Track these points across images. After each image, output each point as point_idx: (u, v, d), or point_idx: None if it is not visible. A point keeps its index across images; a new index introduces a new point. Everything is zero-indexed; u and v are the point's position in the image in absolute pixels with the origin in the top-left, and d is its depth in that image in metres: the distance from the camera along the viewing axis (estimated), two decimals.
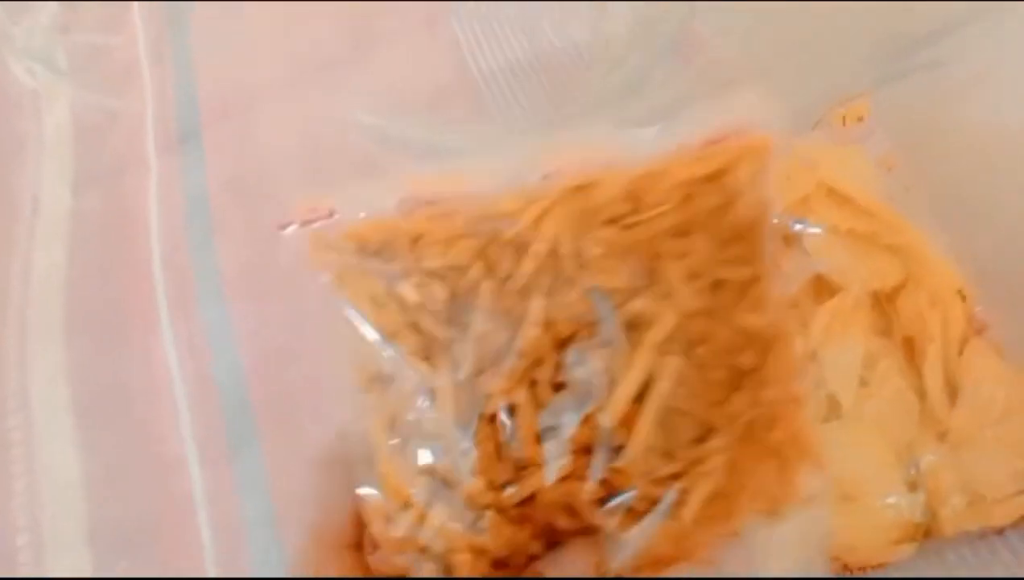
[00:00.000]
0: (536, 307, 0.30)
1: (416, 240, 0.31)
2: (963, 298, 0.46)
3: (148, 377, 0.59)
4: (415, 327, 0.32)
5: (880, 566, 0.43)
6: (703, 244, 0.31)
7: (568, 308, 0.30)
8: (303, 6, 0.76)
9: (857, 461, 0.44)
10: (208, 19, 0.80)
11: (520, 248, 0.30)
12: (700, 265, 0.31)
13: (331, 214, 0.34)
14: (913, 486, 0.44)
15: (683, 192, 0.31)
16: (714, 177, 0.31)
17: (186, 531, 0.52)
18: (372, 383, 0.33)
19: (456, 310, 0.31)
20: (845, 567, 0.43)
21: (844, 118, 0.54)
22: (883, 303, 0.48)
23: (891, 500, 0.43)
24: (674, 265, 0.30)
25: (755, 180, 0.31)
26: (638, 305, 0.30)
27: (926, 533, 0.43)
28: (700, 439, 0.31)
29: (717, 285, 0.31)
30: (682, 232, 0.31)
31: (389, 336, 0.32)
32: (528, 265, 0.30)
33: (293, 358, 0.56)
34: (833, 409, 0.45)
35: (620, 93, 0.66)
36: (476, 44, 0.70)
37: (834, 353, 0.46)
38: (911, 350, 0.46)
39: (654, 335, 0.30)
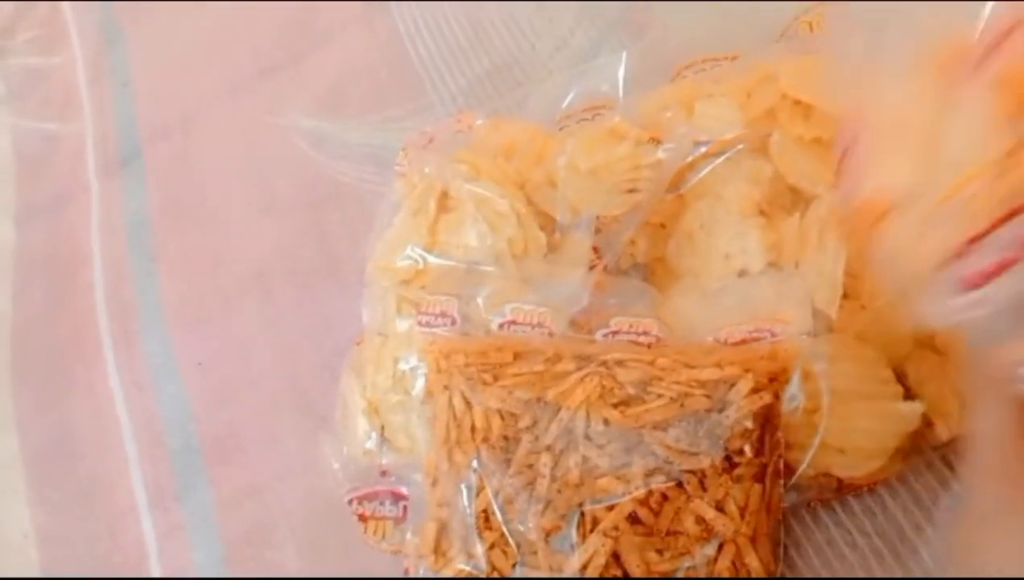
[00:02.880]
0: (544, 463, 0.40)
1: (498, 369, 0.42)
2: None
3: (96, 421, 0.57)
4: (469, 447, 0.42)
5: (872, 483, 0.41)
6: (671, 442, 0.38)
7: (566, 472, 0.39)
8: (240, 14, 0.73)
9: (850, 373, 0.41)
10: (146, 34, 0.77)
11: (555, 408, 0.41)
12: (666, 459, 0.38)
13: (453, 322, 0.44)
14: (907, 395, 0.41)
15: (681, 390, 0.39)
16: (712, 385, 0.39)
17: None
18: None
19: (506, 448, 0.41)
20: (838, 484, 0.41)
21: (811, 25, 0.50)
22: None
23: (886, 408, 0.41)
24: (640, 461, 0.38)
25: (750, 399, 0.38)
26: (605, 483, 0.39)
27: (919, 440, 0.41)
28: None
29: (677, 482, 0.38)
30: (662, 427, 0.39)
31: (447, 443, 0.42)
32: (554, 428, 0.40)
33: (236, 394, 0.54)
34: (822, 322, 0.42)
35: (566, 72, 0.62)
36: (416, 31, 0.67)
37: (814, 264, 0.43)
38: None
39: (607, 523, 0.38)
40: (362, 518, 0.47)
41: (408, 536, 0.43)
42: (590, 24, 0.62)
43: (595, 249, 0.48)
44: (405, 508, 0.47)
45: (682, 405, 0.39)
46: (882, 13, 0.36)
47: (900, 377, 0.41)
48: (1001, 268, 0.28)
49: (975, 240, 0.29)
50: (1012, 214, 0.28)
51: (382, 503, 0.47)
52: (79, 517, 0.53)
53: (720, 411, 0.39)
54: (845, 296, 0.42)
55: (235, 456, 0.52)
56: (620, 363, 0.41)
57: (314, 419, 0.51)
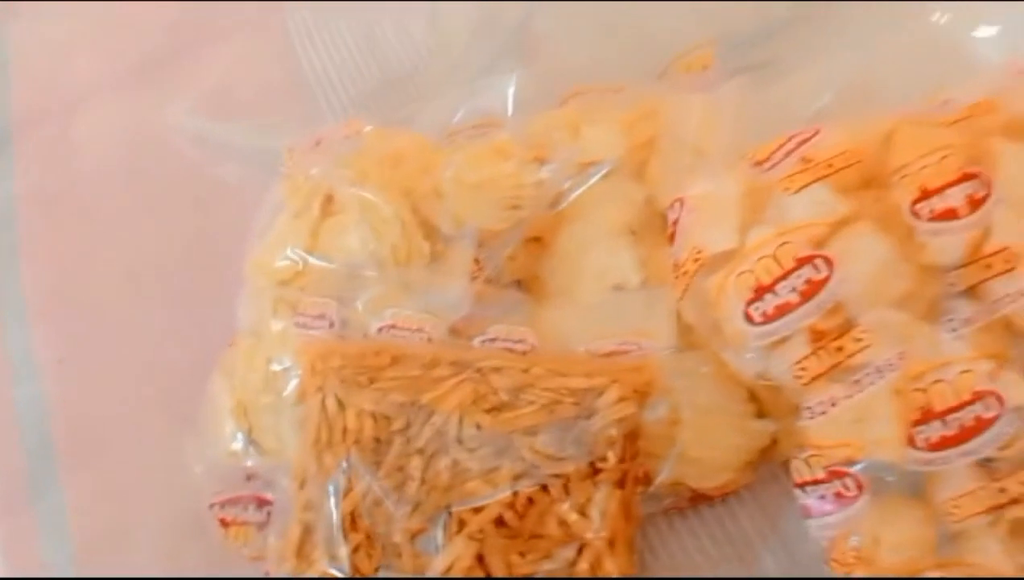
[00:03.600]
0: (414, 466, 0.40)
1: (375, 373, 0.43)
2: None
3: None
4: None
5: (723, 493, 0.44)
6: (540, 447, 0.40)
7: (436, 475, 0.40)
8: (131, 6, 0.71)
9: (710, 389, 0.43)
10: (28, 19, 0.74)
11: (429, 412, 0.41)
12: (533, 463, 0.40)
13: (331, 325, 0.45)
14: (759, 413, 0.44)
15: (551, 397, 0.41)
16: (581, 393, 0.41)
17: None
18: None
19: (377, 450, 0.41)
20: (692, 494, 0.43)
21: (688, 66, 0.54)
22: None
23: (741, 424, 0.43)
24: (508, 465, 0.39)
25: (616, 407, 0.40)
26: (473, 486, 0.40)
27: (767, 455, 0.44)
28: None
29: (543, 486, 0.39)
30: (532, 432, 0.40)
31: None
32: (427, 431, 0.41)
33: (99, 392, 0.52)
34: (686, 338, 0.44)
35: (459, 91, 0.63)
36: (310, 41, 0.67)
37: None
38: None
39: (473, 526, 0.39)
40: (223, 523, 0.46)
41: (271, 540, 0.43)
42: (482, 47, 0.64)
43: (476, 261, 0.49)
44: (268, 514, 0.46)
45: (552, 411, 0.40)
46: None
47: (753, 396, 0.44)
48: (782, 311, 0.37)
49: (766, 289, 0.37)
50: (795, 268, 0.37)
51: (245, 508, 0.46)
52: None
53: (587, 418, 0.40)
54: None
55: (93, 458, 0.50)
56: (496, 369, 0.42)
57: (179, 422, 0.49)
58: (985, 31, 0.49)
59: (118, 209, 0.61)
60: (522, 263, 0.51)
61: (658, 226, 0.49)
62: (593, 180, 0.49)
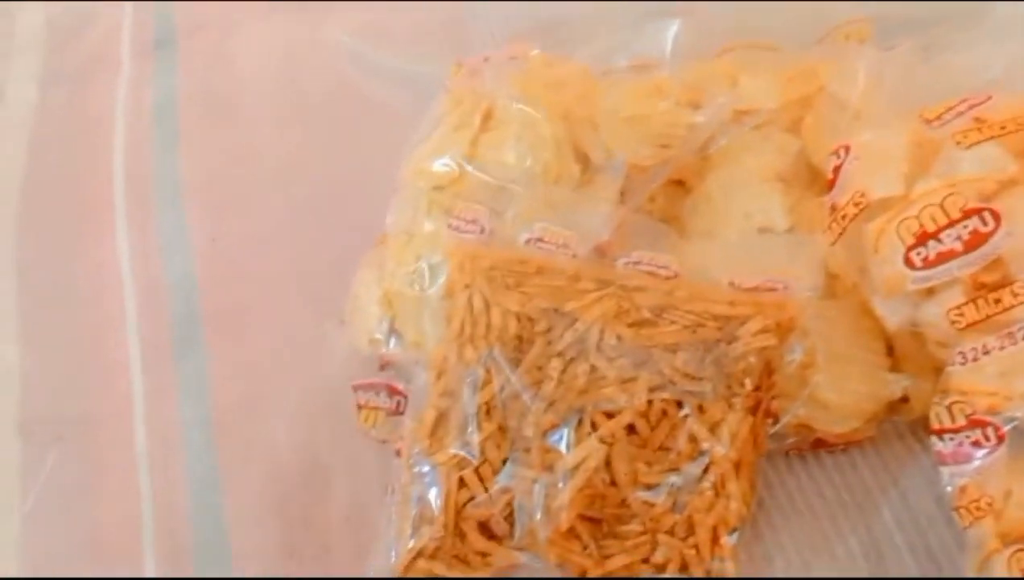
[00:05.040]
0: (553, 367, 0.42)
1: (521, 278, 0.44)
2: None
3: (98, 279, 0.58)
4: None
5: (847, 443, 0.44)
6: (679, 364, 0.41)
7: (573, 377, 0.41)
8: None
9: (847, 337, 0.44)
10: None
11: (572, 319, 0.43)
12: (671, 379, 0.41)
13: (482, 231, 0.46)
14: (894, 368, 0.44)
15: (694, 319, 0.42)
16: (724, 319, 0.41)
17: (121, 428, 0.50)
18: None
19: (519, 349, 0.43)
20: (815, 438, 0.44)
21: (847, 36, 0.54)
22: None
23: (874, 374, 0.44)
24: (646, 376, 0.41)
25: (758, 337, 0.41)
26: (609, 392, 0.41)
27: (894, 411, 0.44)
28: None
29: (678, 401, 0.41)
30: (672, 350, 0.41)
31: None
32: (569, 336, 0.42)
33: (247, 274, 0.55)
34: (829, 286, 0.45)
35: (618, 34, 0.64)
36: None
37: None
38: None
39: (605, 430, 0.41)
40: (358, 406, 0.48)
41: (406, 422, 0.45)
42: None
43: (621, 193, 0.50)
44: (399, 403, 0.48)
45: (694, 332, 0.41)
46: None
47: (889, 350, 0.44)
48: (943, 258, 0.37)
49: (929, 236, 0.38)
50: (961, 219, 0.37)
51: (377, 394, 0.48)
52: (69, 363, 0.54)
53: (728, 343, 0.41)
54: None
55: (237, 331, 0.53)
56: (639, 288, 0.43)
57: (321, 309, 0.52)
58: None
59: (272, 113, 0.64)
60: (661, 205, 0.52)
61: (808, 179, 0.49)
62: (747, 128, 0.50)
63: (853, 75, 0.48)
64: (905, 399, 0.44)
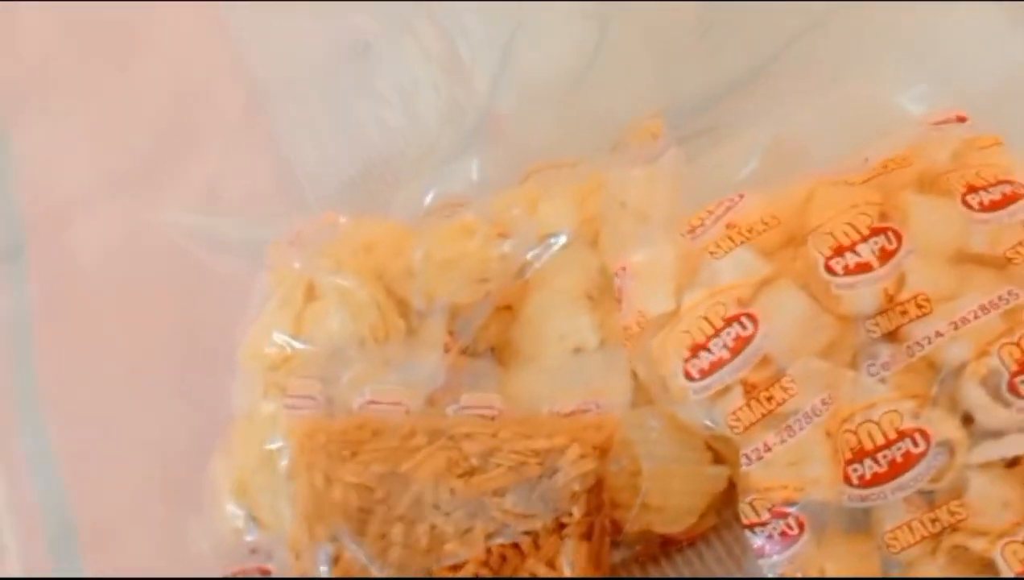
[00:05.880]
0: (396, 532, 0.43)
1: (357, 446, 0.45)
2: None
3: None
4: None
5: (691, 537, 0.47)
6: (509, 506, 0.43)
7: (416, 539, 0.43)
8: (122, 115, 0.76)
9: (666, 441, 0.47)
10: (30, 132, 0.80)
11: (407, 481, 0.44)
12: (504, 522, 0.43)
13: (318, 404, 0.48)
14: (716, 460, 0.47)
15: (517, 458, 0.43)
16: (544, 453, 0.43)
17: None
18: None
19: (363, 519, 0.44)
20: (661, 539, 0.47)
21: (638, 137, 0.58)
22: None
23: (697, 471, 0.47)
24: (481, 525, 0.43)
25: (577, 464, 0.43)
26: (450, 548, 0.43)
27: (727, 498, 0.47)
28: None
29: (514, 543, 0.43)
30: (501, 493, 0.43)
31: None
32: (406, 500, 0.44)
33: (110, 478, 0.56)
34: (643, 394, 0.47)
35: (433, 174, 0.68)
36: (292, 137, 0.72)
37: None
38: None
39: None
40: None
41: None
42: (453, 130, 0.69)
43: (451, 333, 0.53)
44: None
45: (518, 472, 0.44)
46: None
47: (708, 444, 0.47)
48: (715, 366, 0.40)
49: (700, 347, 0.41)
50: (724, 327, 0.40)
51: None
52: None
53: (551, 476, 0.43)
54: None
55: (110, 542, 0.54)
56: (467, 436, 0.45)
57: (185, 503, 0.53)
58: (910, 91, 0.53)
59: (118, 306, 0.66)
60: (495, 331, 0.54)
61: (613, 291, 0.53)
62: (552, 250, 0.53)
63: (629, 185, 0.52)
64: (732, 486, 0.47)
